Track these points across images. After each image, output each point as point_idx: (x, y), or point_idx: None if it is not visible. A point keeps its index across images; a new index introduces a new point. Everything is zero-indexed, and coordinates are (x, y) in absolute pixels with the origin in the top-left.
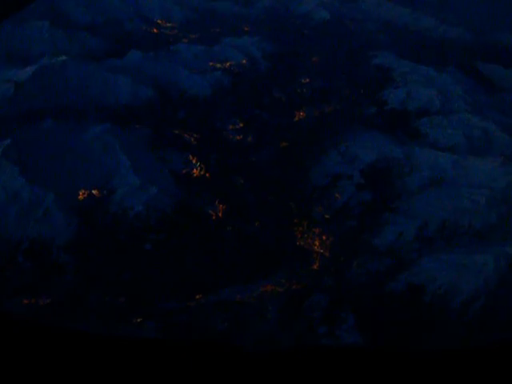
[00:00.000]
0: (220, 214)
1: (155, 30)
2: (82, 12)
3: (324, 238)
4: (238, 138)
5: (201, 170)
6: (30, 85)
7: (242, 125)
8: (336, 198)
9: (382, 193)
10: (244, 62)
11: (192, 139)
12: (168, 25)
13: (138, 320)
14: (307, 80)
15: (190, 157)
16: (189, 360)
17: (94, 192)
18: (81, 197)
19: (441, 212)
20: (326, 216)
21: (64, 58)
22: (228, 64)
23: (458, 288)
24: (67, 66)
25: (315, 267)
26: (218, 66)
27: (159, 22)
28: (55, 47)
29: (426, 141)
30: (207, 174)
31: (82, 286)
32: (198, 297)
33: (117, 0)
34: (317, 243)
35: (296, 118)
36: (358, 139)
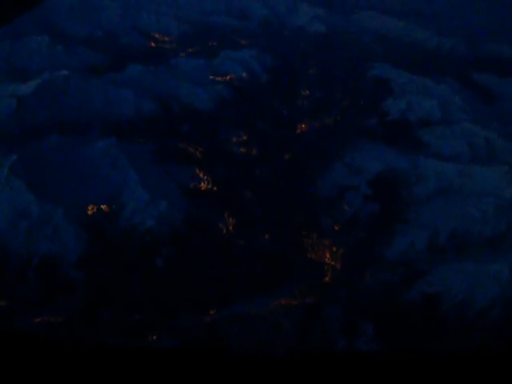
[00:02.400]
0: (230, 228)
1: (153, 44)
2: (79, 27)
3: (334, 249)
4: (242, 150)
5: (208, 184)
6: (33, 99)
7: (245, 137)
8: (344, 210)
9: (390, 203)
10: (244, 75)
11: (197, 152)
12: (165, 39)
13: (153, 336)
14: (307, 92)
15: (197, 170)
16: (177, 366)
17: (103, 207)
18: (90, 212)
19: (450, 221)
20: (336, 227)
21: (65, 72)
22: (228, 77)
23: (474, 297)
24: (69, 80)
25: (328, 279)
26: (219, 79)
27: (156, 36)
28: (55, 61)
29: (430, 151)
30: (214, 188)
31: (94, 302)
32: (212, 312)
33: (114, 14)
34: (327, 255)
35: (298, 130)
36: (362, 150)
